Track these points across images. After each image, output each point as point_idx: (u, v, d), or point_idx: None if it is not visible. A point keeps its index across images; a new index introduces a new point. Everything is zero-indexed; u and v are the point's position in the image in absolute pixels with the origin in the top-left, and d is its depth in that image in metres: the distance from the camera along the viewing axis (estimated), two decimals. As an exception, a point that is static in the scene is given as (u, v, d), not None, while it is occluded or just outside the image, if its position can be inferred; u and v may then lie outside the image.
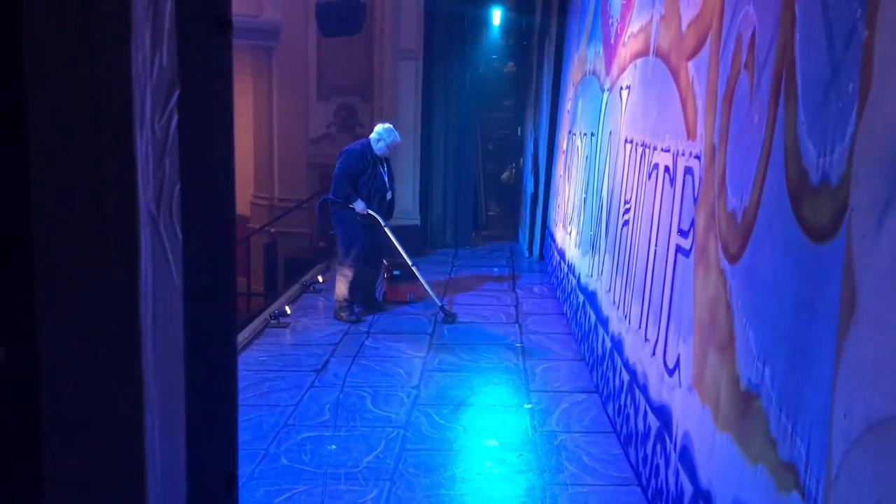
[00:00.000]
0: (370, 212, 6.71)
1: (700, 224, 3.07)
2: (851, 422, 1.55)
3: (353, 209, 6.67)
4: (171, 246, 0.80)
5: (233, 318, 0.93)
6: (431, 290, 6.98)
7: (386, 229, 6.88)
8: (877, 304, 1.52)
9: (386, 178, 6.91)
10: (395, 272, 7.35)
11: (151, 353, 0.76)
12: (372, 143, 6.79)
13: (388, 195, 6.92)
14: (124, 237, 0.74)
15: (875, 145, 1.58)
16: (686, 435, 3.02)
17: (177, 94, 0.78)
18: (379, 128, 6.88)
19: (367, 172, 6.73)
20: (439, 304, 6.85)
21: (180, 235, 0.81)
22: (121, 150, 0.74)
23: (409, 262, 7.09)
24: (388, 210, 6.99)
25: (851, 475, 1.59)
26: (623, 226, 4.74)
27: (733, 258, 2.56)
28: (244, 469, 3.82)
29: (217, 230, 0.89)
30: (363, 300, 6.98)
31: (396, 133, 6.87)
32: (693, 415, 2.93)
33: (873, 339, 1.52)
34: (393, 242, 6.94)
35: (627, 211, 4.66)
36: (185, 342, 0.83)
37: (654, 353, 3.68)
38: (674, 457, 3.17)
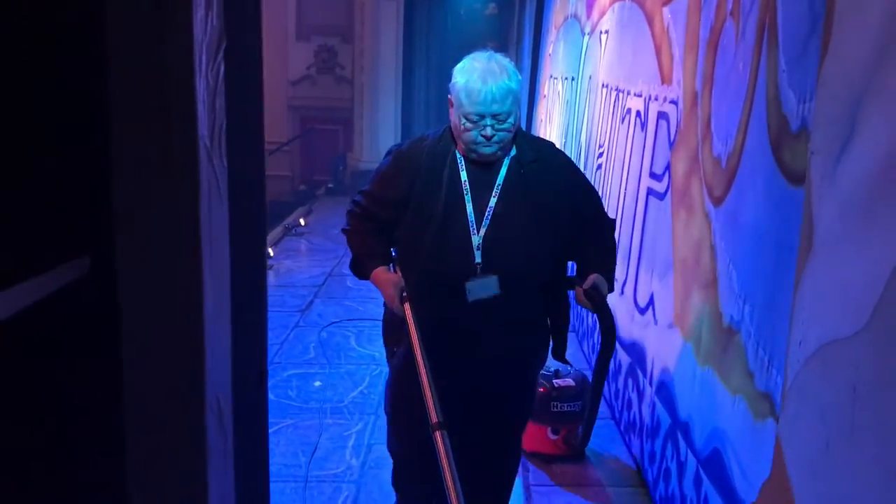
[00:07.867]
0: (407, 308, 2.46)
1: (679, 168, 3.15)
2: (805, 348, 1.70)
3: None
4: (219, 174, 0.92)
5: (264, 237, 1.04)
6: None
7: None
8: (829, 239, 1.65)
9: (472, 219, 2.38)
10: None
11: (208, 264, 0.88)
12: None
13: (477, 269, 2.38)
14: (187, 167, 0.86)
15: (834, 91, 1.68)
16: (665, 370, 3.15)
17: (224, 46, 0.89)
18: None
19: (416, 200, 2.44)
20: None
21: (226, 165, 0.93)
22: (184, 92, 0.85)
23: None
24: (495, 315, 2.40)
25: (799, 392, 1.73)
26: (597, 169, 4.85)
27: (717, 201, 2.65)
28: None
29: (252, 161, 1.01)
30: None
31: (473, 62, 2.38)
32: (672, 351, 3.05)
33: (824, 272, 1.65)
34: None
35: (601, 155, 4.76)
36: (230, 257, 0.95)
37: (622, 293, 3.81)
38: (649, 391, 3.31)
